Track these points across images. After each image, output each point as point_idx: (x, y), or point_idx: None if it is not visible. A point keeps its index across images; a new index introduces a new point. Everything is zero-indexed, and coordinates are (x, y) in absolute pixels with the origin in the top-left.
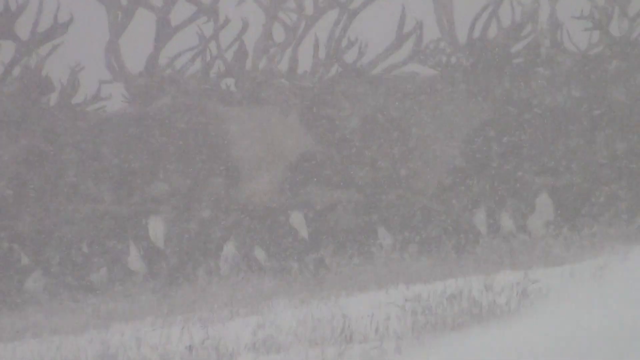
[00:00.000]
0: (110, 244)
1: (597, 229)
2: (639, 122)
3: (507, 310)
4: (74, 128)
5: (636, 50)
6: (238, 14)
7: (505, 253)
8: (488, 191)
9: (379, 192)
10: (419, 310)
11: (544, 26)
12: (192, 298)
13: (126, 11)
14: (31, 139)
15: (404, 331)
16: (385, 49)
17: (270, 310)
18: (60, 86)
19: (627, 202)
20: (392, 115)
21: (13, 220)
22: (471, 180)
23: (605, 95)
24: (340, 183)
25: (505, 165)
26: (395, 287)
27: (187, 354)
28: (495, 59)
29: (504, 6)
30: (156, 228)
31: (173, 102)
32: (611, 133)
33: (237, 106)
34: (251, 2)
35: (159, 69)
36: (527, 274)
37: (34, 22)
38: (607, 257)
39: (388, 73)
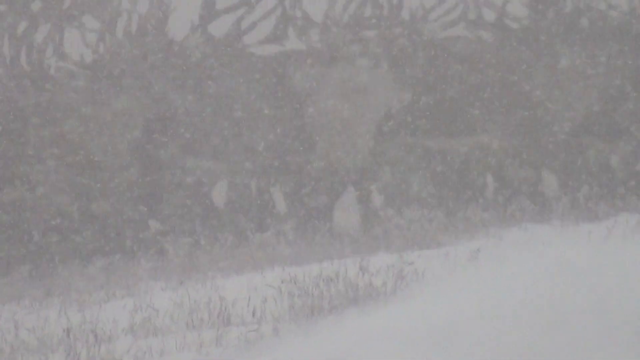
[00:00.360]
0: None
1: (471, 213)
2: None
3: (384, 291)
4: None
5: None
6: None
7: (381, 235)
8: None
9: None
10: (296, 293)
11: None
12: (69, 280)
13: None
14: None
15: (281, 314)
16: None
17: (146, 293)
18: None
19: (503, 187)
20: None
21: None
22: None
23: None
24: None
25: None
26: (271, 269)
27: (65, 337)
28: None
29: None
30: None
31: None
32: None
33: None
34: None
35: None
36: (402, 256)
37: None
38: (482, 240)
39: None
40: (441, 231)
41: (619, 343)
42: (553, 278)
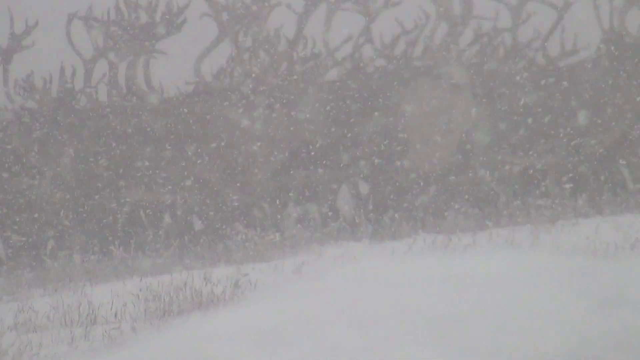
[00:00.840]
0: None
1: (295, 232)
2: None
3: (223, 298)
4: None
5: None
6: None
7: (222, 251)
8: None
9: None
10: (150, 298)
11: None
12: None
13: None
14: None
15: (138, 315)
16: None
17: (28, 298)
18: None
19: (320, 209)
20: None
21: None
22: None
23: None
24: None
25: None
26: (131, 279)
27: None
28: None
29: None
30: None
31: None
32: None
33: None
34: None
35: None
36: (239, 269)
37: None
38: (305, 255)
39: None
40: (272, 247)
41: (416, 338)
42: (363, 286)
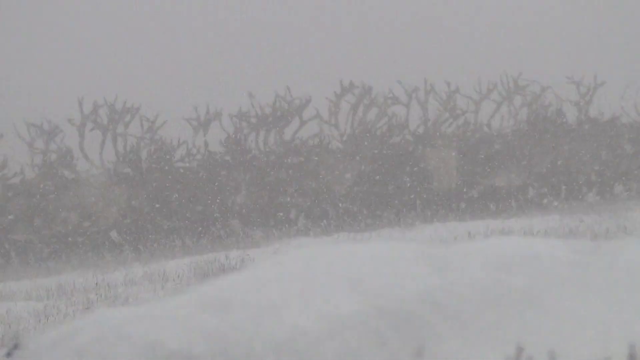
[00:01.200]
0: None
1: (268, 230)
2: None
3: (236, 267)
4: None
5: None
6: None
7: (233, 241)
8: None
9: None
10: (197, 267)
11: None
12: (94, 261)
13: None
14: None
15: (190, 276)
16: None
17: (131, 267)
18: None
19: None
20: None
21: None
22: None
23: None
24: None
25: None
26: (186, 257)
27: (94, 285)
28: None
29: None
30: None
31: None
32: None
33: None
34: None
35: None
36: (245, 252)
37: None
38: (279, 245)
39: None
40: (261, 240)
41: (341, 289)
42: (312, 260)
